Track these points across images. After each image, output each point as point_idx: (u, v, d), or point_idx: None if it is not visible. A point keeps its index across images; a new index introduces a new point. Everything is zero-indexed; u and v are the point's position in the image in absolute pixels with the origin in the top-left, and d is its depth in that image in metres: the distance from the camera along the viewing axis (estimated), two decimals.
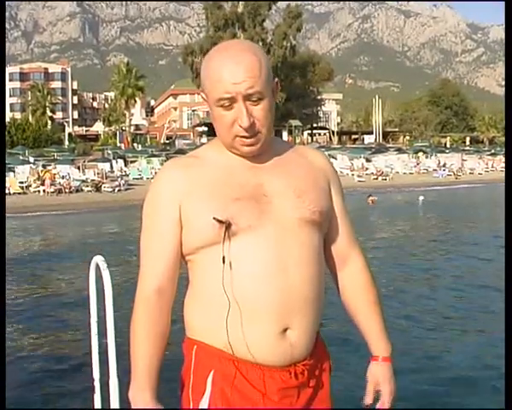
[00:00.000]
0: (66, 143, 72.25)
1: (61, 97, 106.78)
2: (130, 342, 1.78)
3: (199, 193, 1.76)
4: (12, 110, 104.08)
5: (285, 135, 67.92)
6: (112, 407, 2.26)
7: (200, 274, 1.80)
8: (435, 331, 7.73)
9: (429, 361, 6.51)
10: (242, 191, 1.77)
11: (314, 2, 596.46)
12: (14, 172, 39.62)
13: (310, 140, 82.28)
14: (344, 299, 2.00)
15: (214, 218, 1.71)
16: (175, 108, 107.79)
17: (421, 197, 30.75)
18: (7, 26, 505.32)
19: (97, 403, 2.41)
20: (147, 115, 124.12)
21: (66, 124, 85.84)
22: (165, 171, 1.85)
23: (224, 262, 1.72)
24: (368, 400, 1.93)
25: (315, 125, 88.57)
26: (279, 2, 75.24)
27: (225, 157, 1.84)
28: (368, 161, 55.52)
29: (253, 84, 1.71)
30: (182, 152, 47.98)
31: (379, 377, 1.94)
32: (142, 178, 42.76)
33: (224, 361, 1.77)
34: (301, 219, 1.80)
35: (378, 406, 1.93)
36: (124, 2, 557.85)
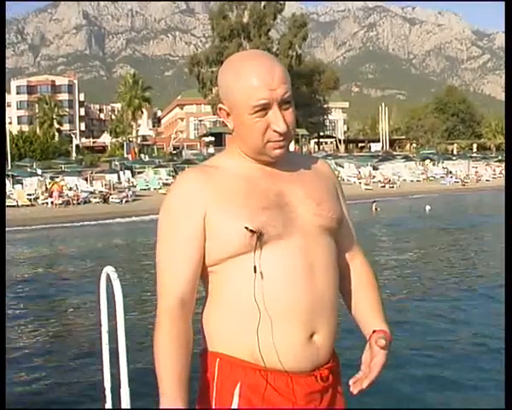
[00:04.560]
0: (74, 154, 72.41)
1: (68, 109, 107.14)
2: (155, 355, 1.69)
3: (225, 203, 1.75)
4: (19, 123, 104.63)
5: (292, 144, 67.79)
6: None
7: (226, 285, 1.78)
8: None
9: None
10: (267, 200, 1.78)
11: (319, 11, 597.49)
12: (21, 184, 39.76)
13: (316, 149, 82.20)
14: (347, 295, 2.00)
15: (246, 227, 1.71)
16: (181, 119, 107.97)
17: (428, 207, 29.63)
18: (14, 39, 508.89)
19: None
20: (153, 126, 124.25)
21: (73, 136, 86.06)
22: (184, 181, 1.83)
23: (255, 272, 1.72)
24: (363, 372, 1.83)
25: (321, 133, 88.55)
26: (284, 12, 75.26)
27: (242, 166, 1.85)
28: (375, 168, 55.43)
29: (287, 90, 1.78)
30: (189, 162, 48.06)
31: (377, 351, 1.83)
32: (149, 189, 42.81)
33: (249, 372, 1.76)
34: (321, 226, 1.84)
35: (363, 373, 1.83)
36: (129, 14, 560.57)
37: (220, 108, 1.85)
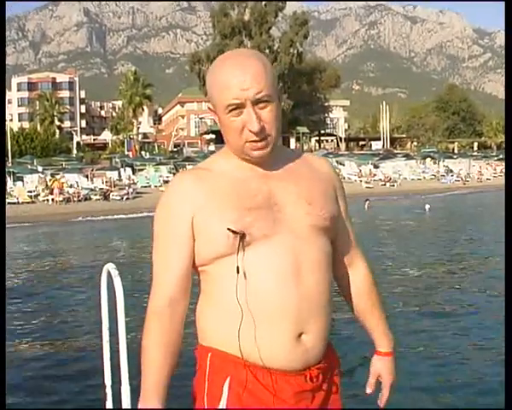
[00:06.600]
0: (75, 151, 72.39)
1: (68, 106, 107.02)
2: (142, 353, 1.78)
3: (212, 205, 1.78)
4: (20, 120, 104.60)
5: (293, 142, 67.95)
6: None
7: (215, 284, 1.81)
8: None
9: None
10: (255, 201, 1.79)
11: (320, 9, 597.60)
12: (22, 181, 39.78)
13: (317, 147, 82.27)
14: (349, 301, 2.07)
15: (229, 229, 1.73)
16: (182, 116, 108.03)
17: (428, 206, 29.28)
18: (15, 36, 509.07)
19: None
20: (154, 123, 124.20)
21: (74, 133, 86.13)
22: (177, 183, 1.87)
23: (238, 272, 1.74)
24: (368, 389, 2.04)
25: (322, 131, 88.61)
26: (285, 10, 75.27)
27: (235, 167, 1.86)
28: (376, 167, 55.44)
29: (261, 89, 1.75)
30: (190, 160, 48.08)
31: (381, 370, 2.04)
32: (150, 187, 42.81)
33: (239, 367, 1.78)
34: (313, 225, 1.83)
35: (380, 395, 2.05)
36: (130, 11, 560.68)
37: (208, 107, 1.89)
